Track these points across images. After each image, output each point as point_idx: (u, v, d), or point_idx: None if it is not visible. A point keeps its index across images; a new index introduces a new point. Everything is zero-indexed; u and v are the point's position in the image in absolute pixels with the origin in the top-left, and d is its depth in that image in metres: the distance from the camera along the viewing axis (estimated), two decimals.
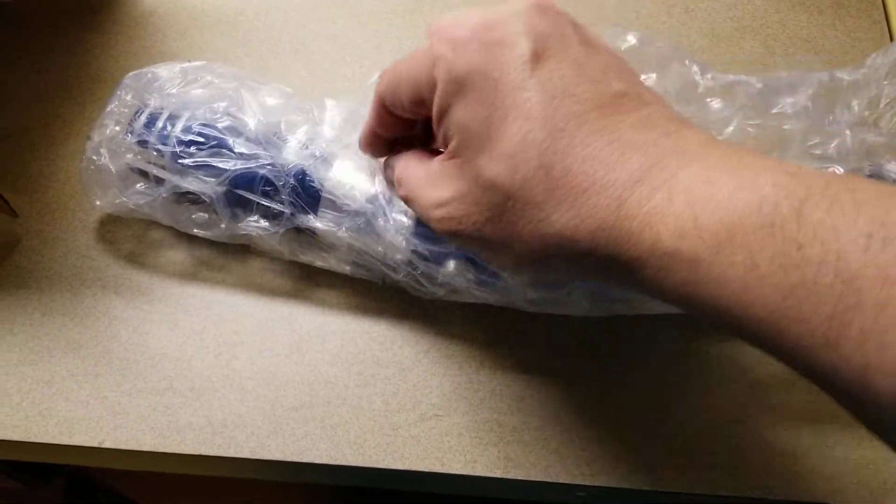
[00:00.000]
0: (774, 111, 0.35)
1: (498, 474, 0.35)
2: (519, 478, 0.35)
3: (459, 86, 0.25)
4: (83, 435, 0.36)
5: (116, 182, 0.36)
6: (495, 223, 0.25)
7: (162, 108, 0.36)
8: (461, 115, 0.25)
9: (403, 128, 0.31)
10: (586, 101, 0.24)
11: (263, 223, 0.36)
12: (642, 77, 0.36)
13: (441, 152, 0.28)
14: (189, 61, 0.39)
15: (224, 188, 0.35)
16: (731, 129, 0.34)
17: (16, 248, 0.41)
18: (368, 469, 0.35)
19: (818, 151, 0.34)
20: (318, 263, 0.37)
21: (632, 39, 0.36)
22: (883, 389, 0.18)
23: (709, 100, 0.35)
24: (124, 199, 0.37)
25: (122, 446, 0.36)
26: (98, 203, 0.38)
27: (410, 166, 0.29)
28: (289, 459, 0.35)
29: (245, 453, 0.35)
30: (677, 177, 0.22)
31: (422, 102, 0.27)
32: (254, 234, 0.36)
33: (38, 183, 0.43)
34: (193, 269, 0.40)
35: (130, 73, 0.38)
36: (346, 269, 0.37)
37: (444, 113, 0.26)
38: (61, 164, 0.44)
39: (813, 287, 0.19)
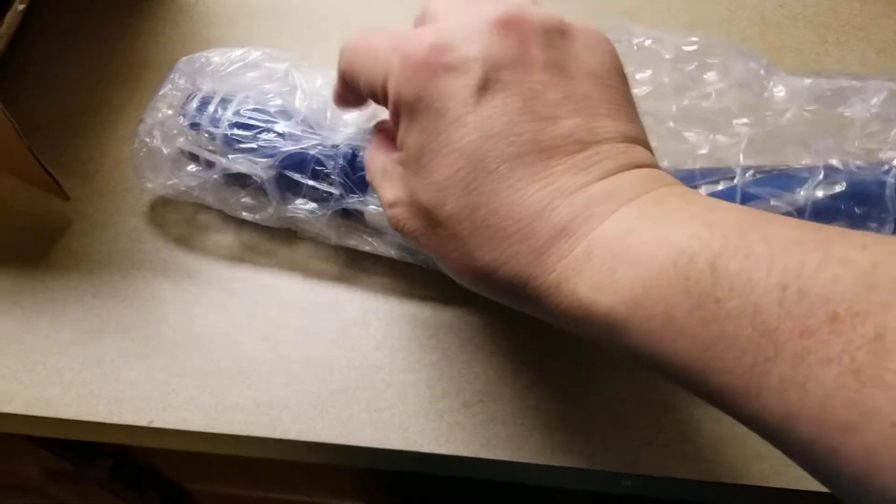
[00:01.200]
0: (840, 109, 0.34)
1: (543, 461, 0.35)
2: (564, 465, 0.35)
3: (405, 106, 0.25)
4: (132, 414, 0.37)
5: (168, 164, 0.37)
6: (429, 238, 0.26)
7: (214, 92, 0.37)
8: (405, 134, 0.26)
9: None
10: (525, 143, 0.24)
11: (312, 205, 0.36)
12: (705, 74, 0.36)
13: None
14: (242, 47, 0.39)
15: (275, 170, 0.35)
16: (788, 115, 0.33)
17: (66, 231, 0.42)
18: (413, 453, 0.35)
19: (878, 139, 0.34)
20: (365, 248, 0.37)
21: (694, 42, 0.36)
22: (804, 436, 0.18)
23: (776, 90, 0.34)
24: (175, 180, 0.37)
25: (171, 426, 0.36)
26: (149, 185, 0.38)
27: (374, 155, 0.30)
28: (334, 442, 0.36)
29: (292, 435, 0.36)
30: (598, 229, 0.23)
31: (375, 97, 0.28)
32: (302, 216, 0.36)
33: (87, 167, 0.44)
34: (241, 253, 0.40)
35: (184, 58, 0.39)
36: (392, 252, 0.37)
37: (395, 121, 0.27)
38: (111, 148, 0.44)
39: (733, 340, 0.19)
